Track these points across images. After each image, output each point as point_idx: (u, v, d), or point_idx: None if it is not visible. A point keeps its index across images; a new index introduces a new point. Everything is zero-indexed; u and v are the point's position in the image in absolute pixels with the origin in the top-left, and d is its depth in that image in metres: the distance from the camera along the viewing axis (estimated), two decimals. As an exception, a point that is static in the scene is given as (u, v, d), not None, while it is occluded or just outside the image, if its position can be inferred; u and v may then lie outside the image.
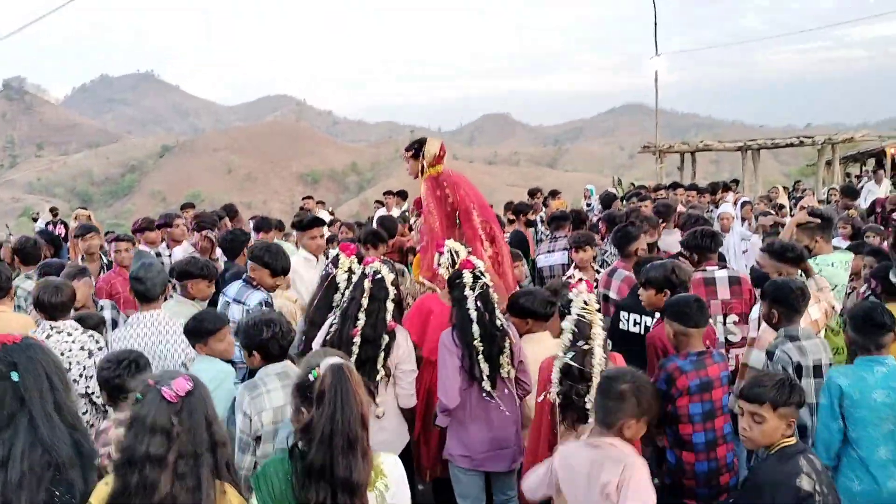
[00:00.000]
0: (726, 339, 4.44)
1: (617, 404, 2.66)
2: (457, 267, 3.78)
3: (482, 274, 3.71)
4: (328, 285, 4.14)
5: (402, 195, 11.43)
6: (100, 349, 3.86)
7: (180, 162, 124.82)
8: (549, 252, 6.52)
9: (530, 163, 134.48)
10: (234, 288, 4.51)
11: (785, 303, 3.53)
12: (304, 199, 12.49)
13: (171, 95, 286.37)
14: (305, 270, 5.29)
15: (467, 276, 3.67)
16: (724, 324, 4.46)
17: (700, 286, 4.42)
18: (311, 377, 2.26)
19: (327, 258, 4.89)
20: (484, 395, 3.61)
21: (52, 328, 3.85)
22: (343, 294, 3.98)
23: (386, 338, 3.62)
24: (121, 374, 3.00)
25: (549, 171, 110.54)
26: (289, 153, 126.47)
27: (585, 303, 3.22)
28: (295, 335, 3.55)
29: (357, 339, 3.55)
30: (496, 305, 3.69)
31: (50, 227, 13.16)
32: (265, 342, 3.18)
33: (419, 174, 5.06)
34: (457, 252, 4.02)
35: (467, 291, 3.63)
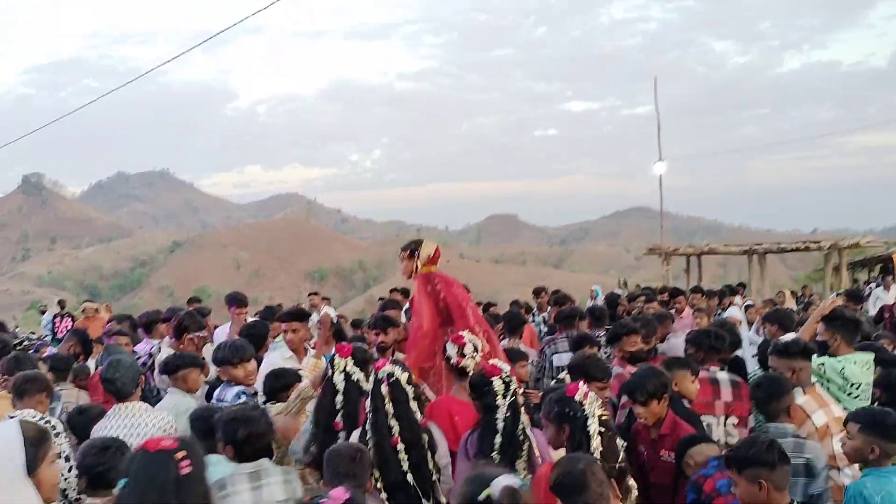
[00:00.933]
0: (726, 441, 4.36)
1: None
2: (483, 372, 3.64)
3: (511, 380, 3.58)
4: (326, 388, 4.07)
5: (406, 293, 11.45)
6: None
7: (190, 257, 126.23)
8: (562, 352, 6.42)
9: (537, 262, 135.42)
10: (231, 392, 4.39)
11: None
12: (309, 294, 12.53)
13: (184, 192, 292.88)
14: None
15: (497, 384, 3.53)
16: (725, 425, 4.41)
17: (706, 385, 4.40)
18: (481, 498, 2.21)
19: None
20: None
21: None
22: (342, 396, 3.90)
23: (425, 436, 3.51)
24: (105, 462, 3.01)
25: (555, 271, 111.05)
26: (297, 250, 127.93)
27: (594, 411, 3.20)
28: (273, 435, 3.45)
29: (401, 447, 3.40)
30: (521, 413, 3.56)
31: (57, 320, 13.23)
32: (240, 441, 3.12)
33: (412, 274, 5.12)
34: (475, 345, 4.00)
35: (499, 401, 3.50)
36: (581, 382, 3.37)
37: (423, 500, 3.31)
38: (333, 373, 3.95)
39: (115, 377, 3.99)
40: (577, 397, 3.23)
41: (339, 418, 3.83)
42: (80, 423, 4.27)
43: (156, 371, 5.36)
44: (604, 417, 3.25)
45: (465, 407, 3.91)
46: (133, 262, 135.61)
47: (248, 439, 3.10)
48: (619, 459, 3.16)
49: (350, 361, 3.99)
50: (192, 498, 2.16)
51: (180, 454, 2.20)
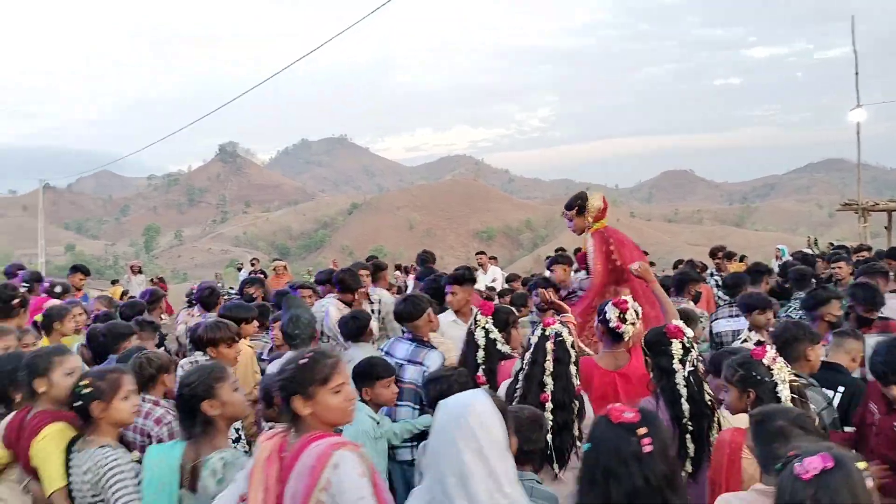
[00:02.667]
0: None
1: (780, 444, 2.37)
2: (663, 331, 3.42)
3: (691, 345, 3.37)
4: (469, 342, 4.14)
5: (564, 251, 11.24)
6: None
7: (367, 219, 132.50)
8: (732, 316, 6.03)
9: (714, 221, 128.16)
10: (402, 348, 4.49)
11: None
12: (477, 254, 12.68)
13: (361, 157, 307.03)
14: (452, 331, 5.14)
15: (676, 347, 3.33)
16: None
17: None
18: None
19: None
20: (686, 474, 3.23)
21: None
22: (483, 352, 3.96)
23: (577, 402, 3.41)
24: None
25: (735, 230, 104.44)
26: (466, 210, 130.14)
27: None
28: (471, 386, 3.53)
29: (549, 406, 3.34)
30: (704, 381, 3.36)
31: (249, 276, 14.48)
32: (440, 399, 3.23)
33: (584, 230, 4.96)
34: (637, 312, 3.81)
35: (676, 364, 3.30)
36: (769, 346, 3.12)
37: (556, 465, 3.18)
38: (476, 328, 4.04)
39: (295, 332, 4.26)
40: (765, 361, 3.00)
41: (480, 372, 3.91)
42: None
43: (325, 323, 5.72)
44: (795, 384, 3.00)
45: (606, 376, 3.74)
46: (316, 224, 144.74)
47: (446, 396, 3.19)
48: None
49: (490, 320, 4.06)
50: (654, 477, 2.06)
51: (642, 430, 2.11)
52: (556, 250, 12.02)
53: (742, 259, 11.03)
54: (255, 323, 5.39)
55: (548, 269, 7.51)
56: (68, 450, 2.89)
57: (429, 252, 8.35)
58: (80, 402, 2.87)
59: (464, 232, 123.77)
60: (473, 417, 2.18)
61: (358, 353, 4.50)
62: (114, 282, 19.84)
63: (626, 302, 3.82)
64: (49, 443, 2.88)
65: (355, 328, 4.79)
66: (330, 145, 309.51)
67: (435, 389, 3.29)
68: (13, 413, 3.15)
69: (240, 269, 18.99)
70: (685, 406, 3.23)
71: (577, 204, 5.02)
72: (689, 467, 3.20)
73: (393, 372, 3.88)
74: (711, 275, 10.03)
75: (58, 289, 7.42)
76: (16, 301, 4.66)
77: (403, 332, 4.65)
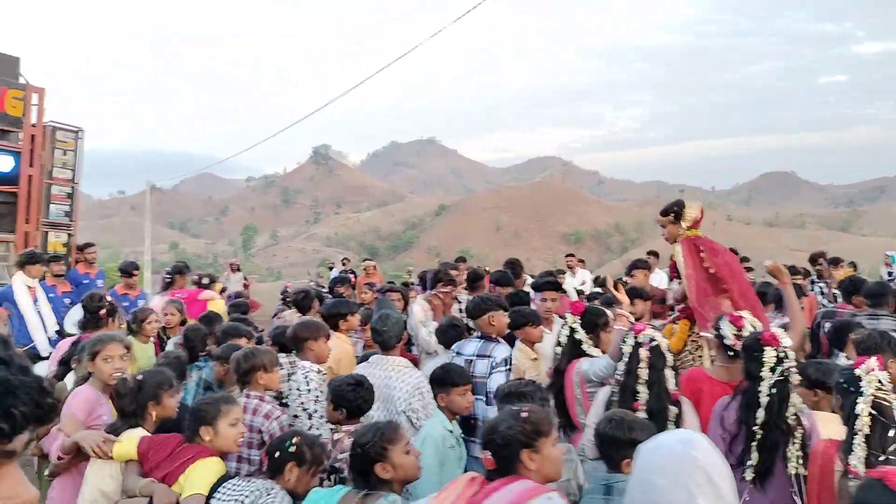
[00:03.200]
0: None
1: None
2: (758, 338, 3.31)
3: (785, 355, 3.23)
4: (558, 343, 4.17)
5: (657, 255, 10.92)
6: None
7: (454, 220, 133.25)
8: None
9: (818, 225, 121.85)
10: (470, 346, 4.57)
11: None
12: (566, 256, 12.53)
13: (449, 159, 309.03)
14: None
15: (769, 355, 3.20)
16: None
17: None
18: None
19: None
20: (747, 481, 3.16)
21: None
22: (560, 348, 4.04)
23: (674, 409, 3.36)
24: (362, 395, 3.50)
25: (841, 234, 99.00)
26: (553, 212, 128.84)
27: (881, 382, 2.78)
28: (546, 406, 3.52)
29: (642, 415, 3.29)
30: (791, 395, 3.20)
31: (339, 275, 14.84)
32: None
33: (676, 238, 4.83)
34: (754, 328, 3.67)
35: (765, 372, 3.19)
36: (874, 358, 2.96)
37: None
38: (564, 325, 4.07)
39: (383, 330, 4.33)
40: (858, 372, 2.85)
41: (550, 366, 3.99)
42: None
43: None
44: (884, 402, 2.82)
45: (718, 387, 3.63)
46: (405, 225, 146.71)
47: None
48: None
49: (578, 320, 4.04)
50: None
51: None
52: (648, 254, 11.70)
53: (853, 266, 10.31)
54: (358, 317, 5.47)
55: (627, 274, 7.35)
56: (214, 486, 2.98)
57: (515, 261, 8.24)
58: (279, 457, 2.92)
59: (551, 234, 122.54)
60: (701, 458, 1.94)
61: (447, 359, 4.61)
62: (213, 279, 20.70)
63: (741, 318, 3.71)
64: (208, 471, 2.99)
65: (454, 335, 4.91)
66: (419, 147, 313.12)
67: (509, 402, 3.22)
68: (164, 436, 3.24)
69: (331, 269, 19.47)
70: (760, 414, 3.14)
71: (674, 210, 4.88)
72: (748, 474, 3.13)
73: (469, 380, 3.89)
74: (813, 283, 9.54)
75: (205, 280, 8.08)
76: (103, 311, 4.70)
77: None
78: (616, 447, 2.75)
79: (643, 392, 3.33)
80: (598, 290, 10.59)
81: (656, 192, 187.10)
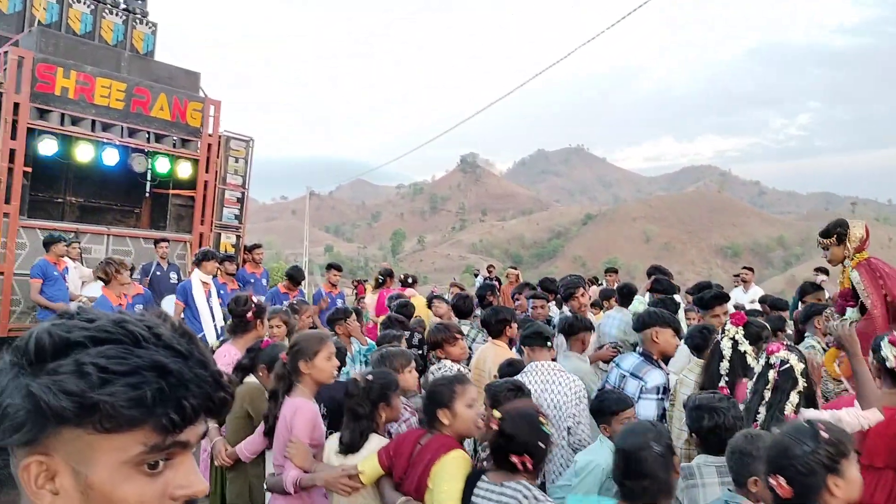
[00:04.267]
0: None
1: None
2: None
3: None
4: (714, 351, 3.89)
5: (825, 272, 10.01)
6: None
7: (601, 230, 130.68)
8: None
9: None
10: (629, 360, 4.38)
11: None
12: (743, 268, 11.47)
13: (597, 167, 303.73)
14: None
15: None
16: None
17: None
18: None
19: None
20: None
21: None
22: (728, 363, 3.72)
23: None
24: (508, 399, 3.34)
25: None
26: (708, 224, 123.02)
27: None
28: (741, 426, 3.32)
29: None
30: None
31: (486, 283, 14.96)
32: (705, 431, 2.98)
33: (842, 262, 4.47)
34: None
35: None
36: None
37: None
38: (723, 337, 3.78)
39: (540, 331, 4.34)
40: None
41: (722, 383, 3.65)
42: (510, 371, 4.77)
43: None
44: None
45: (887, 412, 3.32)
46: (550, 233, 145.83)
47: (715, 430, 2.96)
48: None
49: (741, 331, 3.79)
50: None
51: None
52: (816, 270, 10.70)
53: None
54: (514, 326, 5.46)
55: (800, 299, 6.74)
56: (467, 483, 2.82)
57: (660, 268, 7.93)
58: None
59: (706, 247, 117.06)
60: None
61: (567, 363, 4.52)
62: (361, 282, 21.62)
63: None
64: (455, 467, 2.82)
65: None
66: (566, 155, 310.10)
67: (709, 421, 3.07)
68: (404, 433, 3.15)
69: (476, 276, 19.69)
70: None
71: (837, 231, 4.53)
72: None
73: (629, 404, 3.72)
74: None
75: (409, 279, 9.83)
76: (249, 314, 4.44)
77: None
78: (746, 464, 2.59)
79: (762, 413, 3.14)
80: (757, 307, 9.88)
81: (825, 204, 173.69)
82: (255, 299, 4.50)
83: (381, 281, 10.03)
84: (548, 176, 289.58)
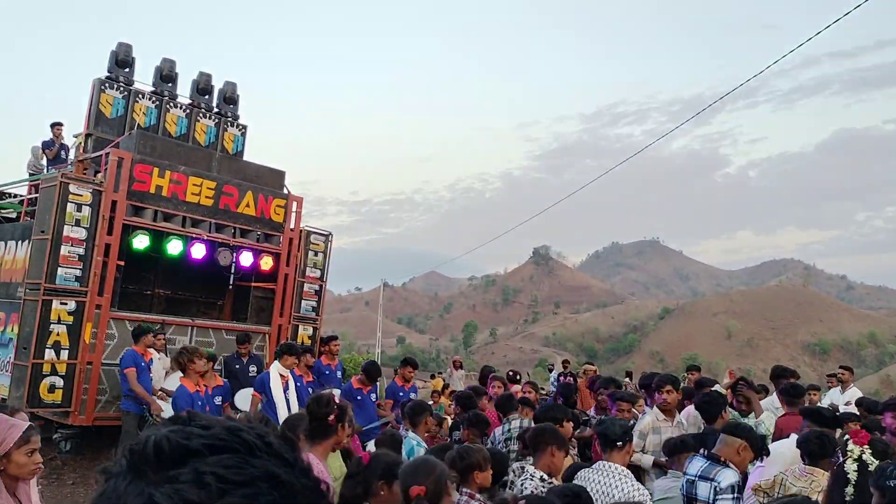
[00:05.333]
0: None
1: None
2: None
3: None
4: (838, 475, 3.55)
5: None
6: None
7: (679, 324, 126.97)
8: None
9: None
10: (696, 464, 4.17)
11: None
12: (840, 368, 10.78)
13: (673, 260, 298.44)
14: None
15: None
16: None
17: None
18: None
19: None
20: None
21: None
22: (853, 487, 3.37)
23: None
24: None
25: None
26: (793, 320, 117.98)
27: None
28: None
29: None
30: None
31: (561, 378, 14.55)
32: None
33: None
34: None
35: None
36: None
37: None
38: (845, 460, 3.48)
39: (607, 432, 4.13)
40: None
41: None
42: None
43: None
44: None
45: None
46: (625, 327, 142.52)
47: None
48: None
49: (867, 450, 3.47)
50: None
51: None
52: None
53: None
54: (570, 424, 5.36)
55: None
56: None
57: (787, 370, 7.46)
58: None
59: (791, 343, 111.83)
60: None
61: (663, 482, 4.29)
62: (433, 375, 21.45)
63: None
64: None
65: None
66: (641, 248, 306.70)
67: None
68: None
69: (550, 370, 19.26)
70: None
71: None
72: None
73: None
74: None
75: (510, 373, 9.82)
76: (331, 418, 4.02)
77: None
78: None
79: None
80: (853, 411, 9.19)
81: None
82: (337, 400, 4.08)
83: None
84: (622, 269, 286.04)
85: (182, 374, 6.55)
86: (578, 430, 6.29)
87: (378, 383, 8.52)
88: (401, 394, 8.25)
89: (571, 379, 13.69)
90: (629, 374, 18.46)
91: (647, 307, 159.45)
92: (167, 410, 7.46)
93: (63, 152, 11.00)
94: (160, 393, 7.72)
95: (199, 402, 6.40)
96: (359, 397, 7.69)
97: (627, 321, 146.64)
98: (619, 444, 4.14)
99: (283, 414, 7.15)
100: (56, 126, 11.15)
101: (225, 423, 0.83)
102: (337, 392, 5.54)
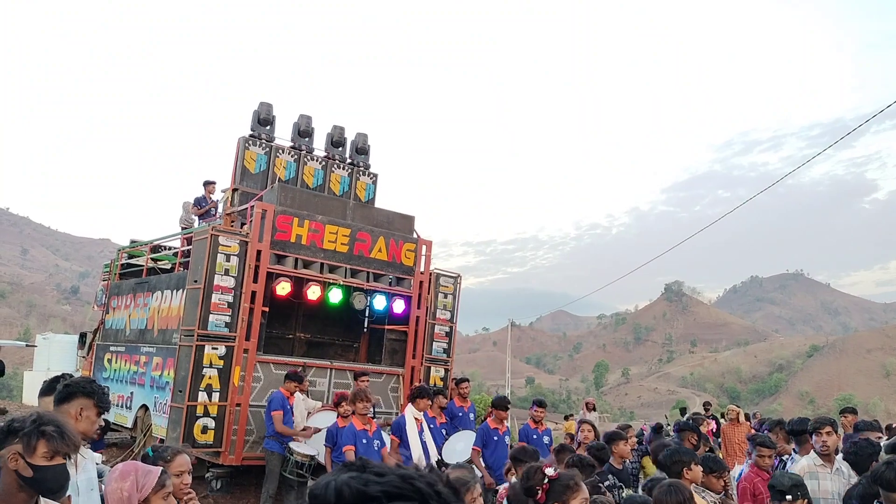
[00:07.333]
0: None
1: None
2: None
3: None
4: None
5: None
6: None
7: (829, 362, 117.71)
8: None
9: None
10: None
11: None
12: None
13: (820, 294, 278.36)
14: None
15: None
16: None
17: None
18: None
19: None
20: None
21: None
22: None
23: None
24: None
25: None
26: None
27: None
28: None
29: None
30: None
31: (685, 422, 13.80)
32: None
33: None
34: None
35: None
36: None
37: None
38: None
39: (776, 484, 3.91)
40: None
41: None
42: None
43: None
44: None
45: None
46: (770, 367, 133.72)
47: None
48: None
49: None
50: None
51: None
52: None
53: None
54: (699, 468, 4.97)
55: None
56: None
57: None
58: None
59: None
60: None
61: None
62: (567, 417, 20.99)
63: None
64: None
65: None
66: (783, 281, 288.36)
67: None
68: None
69: (683, 412, 18.35)
70: None
71: None
72: None
73: None
74: None
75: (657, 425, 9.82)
76: (540, 495, 4.08)
77: None
78: None
79: None
80: None
81: None
82: (548, 472, 3.34)
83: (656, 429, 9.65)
84: (763, 304, 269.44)
85: (338, 415, 7.24)
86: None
87: (509, 427, 8.44)
88: (534, 436, 8.12)
89: (714, 421, 12.95)
90: (707, 406, 17.62)
91: (793, 344, 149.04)
92: (306, 448, 7.77)
93: (213, 209, 11.86)
94: (304, 431, 8.05)
95: (364, 441, 6.90)
96: (495, 437, 7.65)
97: (772, 360, 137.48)
98: (790, 497, 3.88)
99: (419, 456, 7.23)
100: (209, 185, 12.07)
101: (397, 470, 0.87)
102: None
